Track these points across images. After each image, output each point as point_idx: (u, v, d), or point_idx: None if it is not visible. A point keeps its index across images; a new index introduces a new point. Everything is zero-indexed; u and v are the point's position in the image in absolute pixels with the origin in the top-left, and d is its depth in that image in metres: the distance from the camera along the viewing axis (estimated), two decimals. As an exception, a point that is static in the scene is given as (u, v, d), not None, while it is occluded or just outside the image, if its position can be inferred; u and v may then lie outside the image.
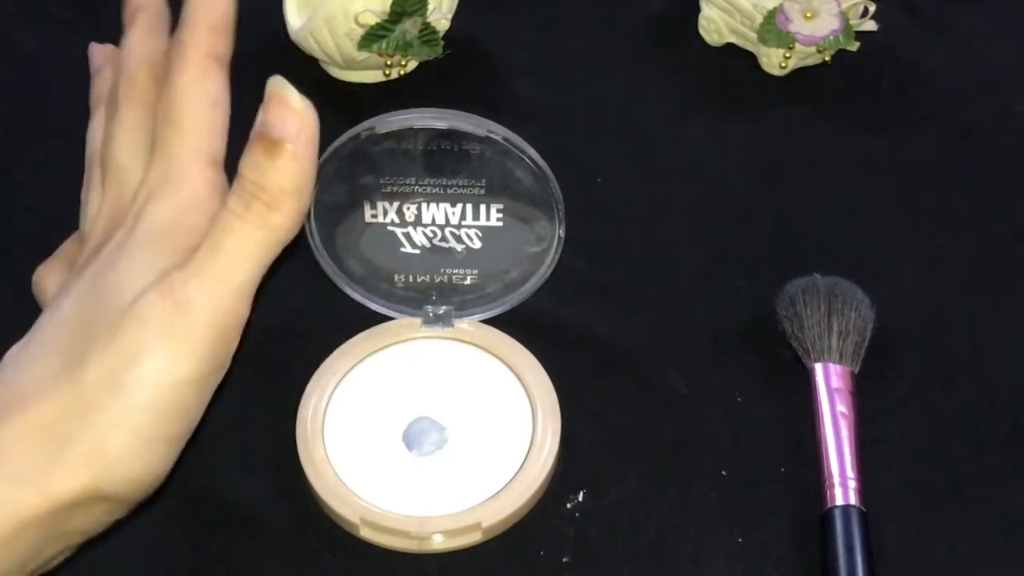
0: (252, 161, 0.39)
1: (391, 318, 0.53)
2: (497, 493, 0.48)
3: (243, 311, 0.40)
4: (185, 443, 0.40)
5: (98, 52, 0.49)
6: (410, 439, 0.50)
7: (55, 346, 0.40)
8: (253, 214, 0.39)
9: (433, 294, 0.53)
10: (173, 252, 0.40)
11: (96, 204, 0.45)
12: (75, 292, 0.41)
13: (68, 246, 0.48)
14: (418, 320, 0.53)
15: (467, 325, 0.53)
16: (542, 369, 0.51)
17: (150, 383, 0.38)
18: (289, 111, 0.38)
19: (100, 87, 0.49)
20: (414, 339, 0.53)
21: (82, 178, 0.61)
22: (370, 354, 0.52)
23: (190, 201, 0.41)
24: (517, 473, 0.48)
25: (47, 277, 0.47)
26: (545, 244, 0.52)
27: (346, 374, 0.51)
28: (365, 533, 0.47)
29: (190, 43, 0.43)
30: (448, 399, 0.51)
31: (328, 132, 0.62)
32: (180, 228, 0.40)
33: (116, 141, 0.45)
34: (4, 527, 0.37)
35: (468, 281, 0.53)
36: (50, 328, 0.41)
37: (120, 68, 0.46)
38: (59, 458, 0.38)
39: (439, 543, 0.47)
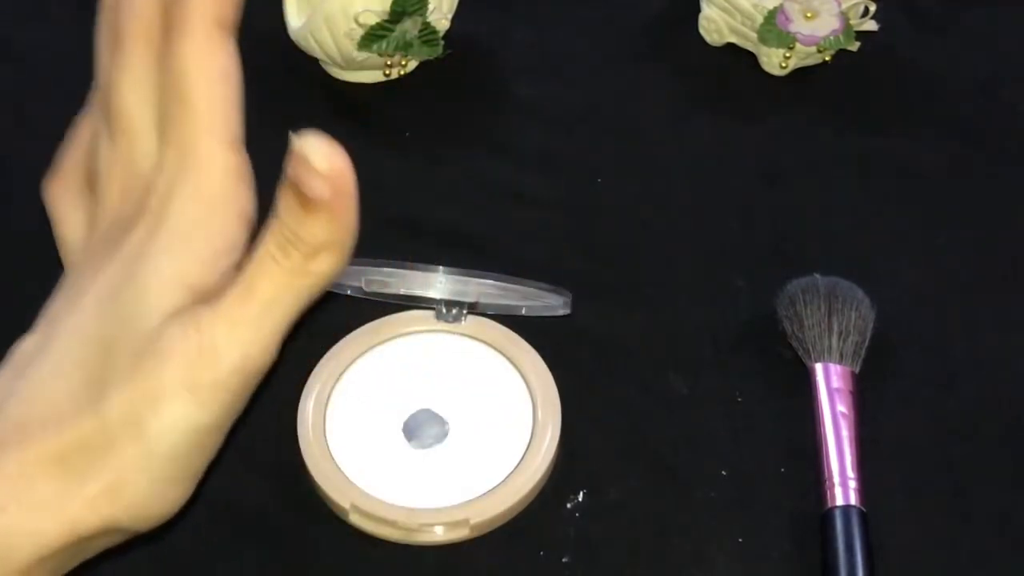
0: (290, 208, 0.36)
1: (403, 307, 0.53)
2: (488, 491, 0.48)
3: (270, 358, 0.37)
4: (203, 475, 0.39)
5: None
6: (410, 431, 0.50)
7: (76, 361, 0.38)
8: (291, 261, 0.36)
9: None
10: (200, 261, 0.37)
11: (106, 154, 0.41)
12: (95, 296, 0.38)
13: (76, 159, 0.43)
14: (427, 313, 0.53)
15: (475, 321, 0.53)
16: (547, 370, 0.51)
17: (170, 429, 0.36)
18: (315, 175, 0.35)
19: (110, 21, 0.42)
20: (422, 332, 0.53)
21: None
22: (377, 344, 0.52)
23: (215, 196, 0.38)
24: (511, 473, 0.49)
25: (59, 199, 0.43)
26: (555, 308, 0.53)
27: (353, 361, 0.52)
28: (355, 519, 0.48)
29: (194, 6, 0.38)
30: (451, 393, 0.51)
31: (328, 132, 0.63)
32: (207, 231, 0.38)
33: (121, 88, 0.40)
34: (26, 557, 0.37)
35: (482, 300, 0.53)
36: (70, 336, 0.38)
37: None
38: (79, 490, 0.37)
39: (427, 535, 0.47)
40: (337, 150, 0.35)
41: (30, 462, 0.37)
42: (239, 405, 0.38)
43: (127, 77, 0.39)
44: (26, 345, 0.39)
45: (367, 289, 0.52)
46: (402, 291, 0.51)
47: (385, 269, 0.50)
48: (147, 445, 0.36)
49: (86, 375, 0.37)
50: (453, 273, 0.51)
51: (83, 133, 0.43)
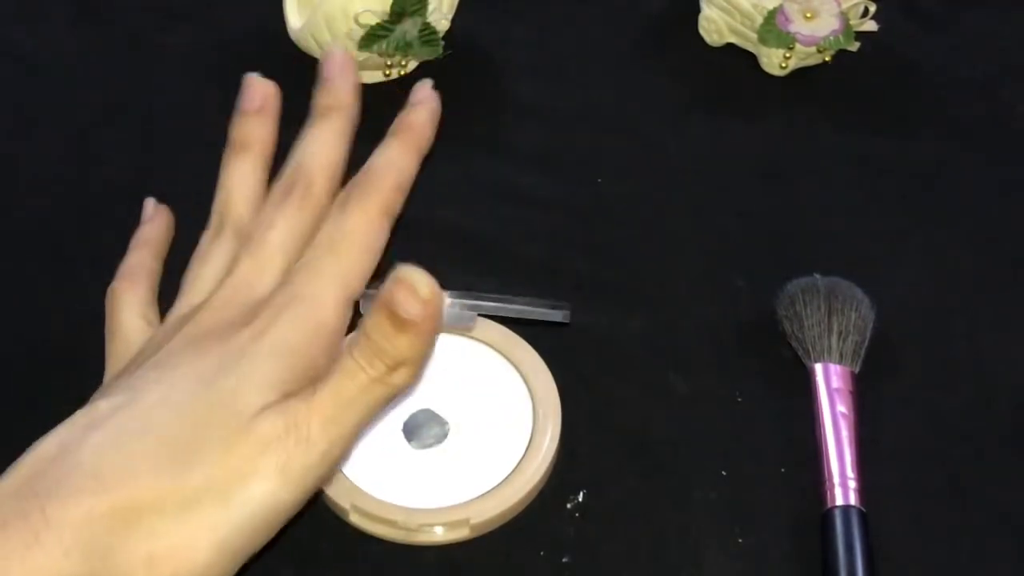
0: (379, 327, 0.41)
1: None
2: (488, 491, 0.48)
3: (348, 452, 0.42)
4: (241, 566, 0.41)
5: (255, 92, 0.51)
6: (410, 431, 0.50)
7: (160, 427, 0.40)
8: (375, 371, 0.41)
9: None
10: (294, 376, 0.41)
11: (219, 269, 0.46)
12: (193, 376, 0.41)
13: (151, 269, 0.50)
14: None
15: (476, 321, 0.53)
16: (547, 370, 0.51)
17: (256, 504, 0.39)
18: (417, 299, 0.40)
19: (247, 131, 0.50)
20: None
21: (78, 178, 0.61)
22: None
23: (320, 328, 0.43)
24: (511, 474, 0.49)
25: (123, 298, 0.48)
26: (555, 318, 0.52)
27: None
28: (355, 519, 0.48)
29: (377, 191, 0.46)
30: (451, 393, 0.51)
31: (328, 132, 0.63)
32: (305, 354, 0.42)
33: (276, 232, 0.46)
34: None
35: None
36: (159, 404, 0.40)
37: (301, 157, 0.48)
38: (142, 547, 0.38)
39: (427, 535, 0.47)
40: (433, 280, 0.41)
41: (101, 511, 0.38)
42: (310, 493, 0.41)
43: (289, 223, 0.46)
44: (103, 405, 0.41)
45: (363, 311, 0.51)
46: None
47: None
48: (228, 513, 0.39)
49: (168, 443, 0.39)
50: (451, 297, 0.52)
51: (155, 242, 0.51)
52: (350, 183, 0.47)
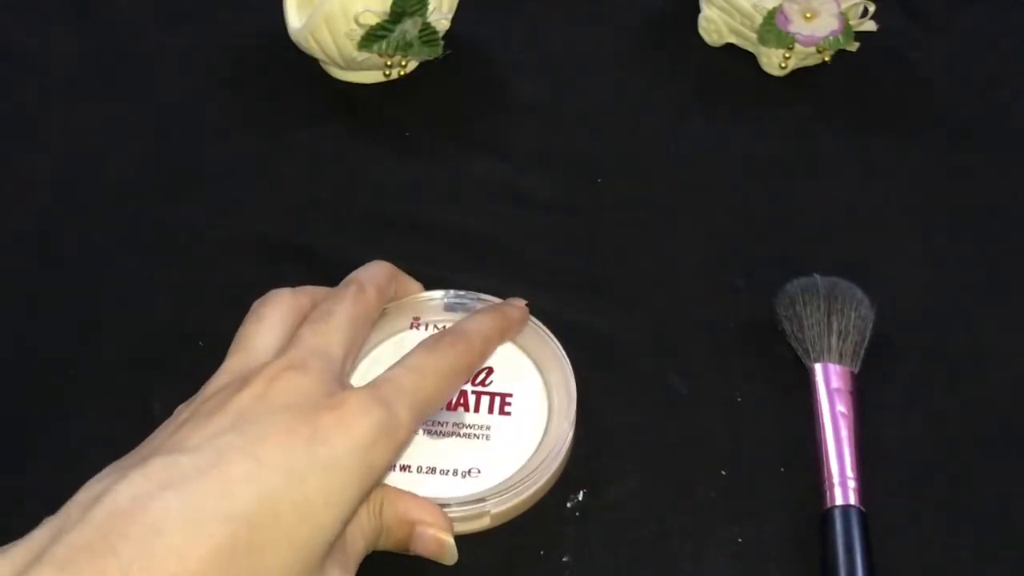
0: (391, 541, 0.46)
1: None
2: (507, 480, 0.48)
3: None
4: None
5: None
6: (426, 420, 0.50)
7: (241, 521, 0.39)
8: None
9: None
10: (360, 494, 0.42)
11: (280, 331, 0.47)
12: (279, 466, 0.40)
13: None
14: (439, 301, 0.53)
15: None
16: (566, 363, 0.51)
17: None
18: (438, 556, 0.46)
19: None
20: (443, 320, 0.52)
21: (78, 178, 0.61)
22: (396, 332, 0.52)
23: (393, 444, 0.43)
24: (528, 461, 0.48)
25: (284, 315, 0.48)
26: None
27: (368, 352, 0.51)
28: None
29: (469, 344, 0.48)
30: (470, 384, 0.51)
31: (328, 132, 0.63)
32: (373, 471, 0.42)
33: (339, 309, 0.47)
34: None
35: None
36: (245, 489, 0.39)
37: (356, 274, 0.49)
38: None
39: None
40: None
41: None
42: None
43: (347, 308, 0.47)
44: (184, 461, 0.39)
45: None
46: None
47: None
48: None
49: (246, 538, 0.39)
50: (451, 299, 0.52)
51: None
52: (448, 330, 0.49)
